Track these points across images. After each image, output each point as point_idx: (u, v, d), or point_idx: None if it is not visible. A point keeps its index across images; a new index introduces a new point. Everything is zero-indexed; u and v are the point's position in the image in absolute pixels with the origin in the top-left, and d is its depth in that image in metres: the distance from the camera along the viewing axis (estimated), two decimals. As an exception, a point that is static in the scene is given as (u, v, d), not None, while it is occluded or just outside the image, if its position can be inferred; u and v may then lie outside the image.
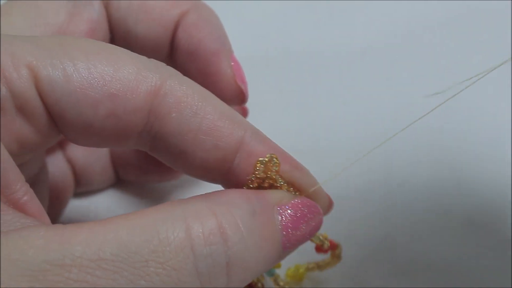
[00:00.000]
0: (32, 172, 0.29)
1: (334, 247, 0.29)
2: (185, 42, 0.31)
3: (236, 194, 0.23)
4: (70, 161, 0.34)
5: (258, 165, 0.24)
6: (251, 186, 0.25)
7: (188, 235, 0.20)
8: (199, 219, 0.20)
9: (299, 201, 0.24)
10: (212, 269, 0.20)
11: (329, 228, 0.30)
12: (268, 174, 0.25)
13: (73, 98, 0.22)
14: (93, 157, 0.35)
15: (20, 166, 0.27)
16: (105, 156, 0.35)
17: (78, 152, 0.34)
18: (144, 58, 0.24)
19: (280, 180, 0.25)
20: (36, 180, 0.30)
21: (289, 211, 0.23)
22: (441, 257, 0.33)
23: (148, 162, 0.35)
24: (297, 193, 0.26)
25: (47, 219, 0.22)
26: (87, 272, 0.19)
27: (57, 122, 0.23)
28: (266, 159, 0.25)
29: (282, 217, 0.23)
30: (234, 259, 0.21)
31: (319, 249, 0.29)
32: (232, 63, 0.31)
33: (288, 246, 0.23)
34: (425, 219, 0.34)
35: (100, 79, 0.23)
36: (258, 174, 0.25)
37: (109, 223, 0.20)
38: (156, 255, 0.19)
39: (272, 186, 0.25)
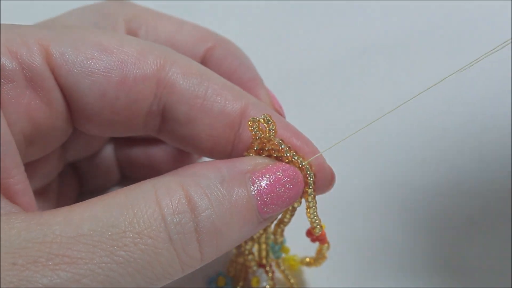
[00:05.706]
0: (46, 178, 0.29)
1: (323, 240, 0.28)
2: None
3: (204, 165, 0.24)
4: (74, 164, 0.34)
5: (250, 123, 0.25)
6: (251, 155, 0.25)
7: (158, 206, 0.21)
8: (168, 191, 0.22)
9: (275, 166, 0.24)
10: (183, 236, 0.21)
11: (330, 228, 0.30)
12: (267, 136, 0.25)
13: (85, 66, 0.24)
14: (98, 159, 0.35)
15: (35, 170, 0.27)
16: (110, 156, 0.35)
17: (82, 153, 0.34)
18: (147, 41, 0.26)
19: (282, 144, 0.25)
20: (49, 188, 0.30)
21: (265, 176, 0.24)
22: (441, 257, 0.33)
23: (153, 158, 0.35)
24: (296, 158, 0.25)
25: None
26: (67, 247, 0.19)
27: (70, 96, 0.24)
28: (259, 118, 0.24)
29: (256, 183, 0.23)
30: (202, 225, 0.22)
31: (310, 233, 0.28)
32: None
33: (266, 211, 0.23)
34: (425, 219, 0.34)
35: (107, 50, 0.24)
36: (253, 131, 0.24)
37: (85, 204, 0.21)
38: (132, 226, 0.20)
39: (276, 154, 0.25)
